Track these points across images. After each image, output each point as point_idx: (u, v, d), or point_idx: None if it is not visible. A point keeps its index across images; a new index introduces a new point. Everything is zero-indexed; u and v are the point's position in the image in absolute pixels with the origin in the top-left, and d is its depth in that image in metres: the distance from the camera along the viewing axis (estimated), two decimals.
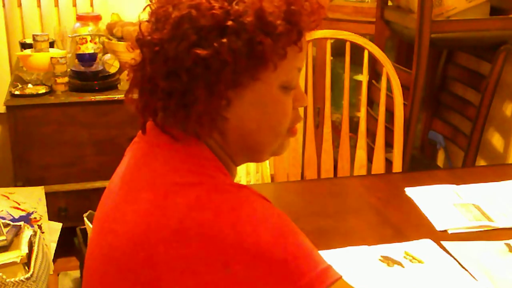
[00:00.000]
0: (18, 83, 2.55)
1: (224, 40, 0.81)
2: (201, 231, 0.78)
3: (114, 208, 0.88)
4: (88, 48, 2.58)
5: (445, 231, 1.36)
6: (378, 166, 1.97)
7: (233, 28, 0.82)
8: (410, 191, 1.54)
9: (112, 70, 2.58)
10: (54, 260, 2.41)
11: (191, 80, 0.83)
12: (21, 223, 2.15)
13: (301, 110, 0.98)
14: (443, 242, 1.29)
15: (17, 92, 2.46)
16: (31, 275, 1.95)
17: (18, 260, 1.98)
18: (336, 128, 2.51)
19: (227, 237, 0.77)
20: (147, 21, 0.89)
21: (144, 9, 0.91)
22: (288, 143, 0.96)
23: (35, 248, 2.05)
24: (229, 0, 0.83)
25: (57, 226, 2.46)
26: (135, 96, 0.90)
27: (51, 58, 2.47)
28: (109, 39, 2.67)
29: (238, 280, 0.78)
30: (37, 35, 2.58)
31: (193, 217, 0.79)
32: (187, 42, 0.82)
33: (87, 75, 2.53)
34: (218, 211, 0.79)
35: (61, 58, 2.47)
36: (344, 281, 0.83)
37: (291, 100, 0.91)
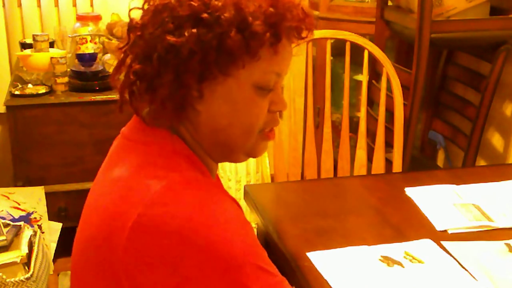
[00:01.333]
0: (18, 83, 2.55)
1: (194, 30, 0.84)
2: (156, 226, 0.80)
3: (91, 201, 0.92)
4: (88, 48, 2.58)
5: (445, 231, 1.36)
6: (378, 166, 1.97)
7: (207, 21, 0.85)
8: (410, 191, 1.54)
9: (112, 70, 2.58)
10: (54, 260, 2.41)
11: (161, 66, 0.87)
12: (21, 223, 2.15)
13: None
14: (443, 242, 1.29)
15: (17, 92, 2.46)
16: (31, 275, 1.95)
17: (18, 260, 1.98)
18: (336, 128, 2.51)
19: (180, 232, 0.79)
20: (138, 8, 0.93)
21: None
22: (264, 146, 0.96)
23: (35, 248, 2.05)
24: None
25: (57, 226, 2.46)
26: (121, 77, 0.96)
27: (51, 58, 2.47)
28: (109, 39, 2.67)
29: (189, 277, 0.79)
30: (37, 35, 2.57)
31: (152, 212, 0.81)
32: (162, 29, 0.86)
33: (87, 75, 2.53)
34: (176, 206, 0.81)
35: (61, 58, 2.47)
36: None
37: (266, 102, 0.92)
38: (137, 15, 0.92)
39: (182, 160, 0.89)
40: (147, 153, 0.89)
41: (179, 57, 0.85)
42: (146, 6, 0.91)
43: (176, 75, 0.87)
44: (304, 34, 0.93)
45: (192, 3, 0.85)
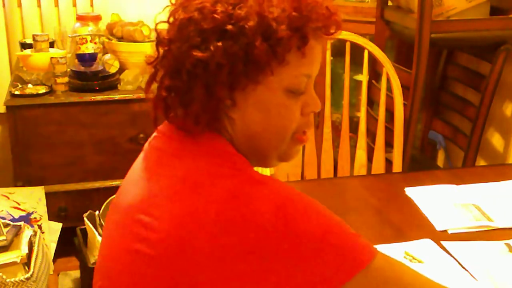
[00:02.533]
0: (18, 83, 2.55)
1: (220, 44, 0.84)
2: (240, 221, 0.79)
3: (144, 201, 0.86)
4: (88, 48, 2.58)
5: (445, 231, 1.36)
6: (378, 166, 1.97)
7: (232, 32, 0.84)
8: (410, 191, 1.54)
9: (112, 70, 2.58)
10: (54, 260, 2.41)
11: (191, 80, 0.86)
12: (21, 223, 2.15)
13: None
14: (443, 242, 1.29)
15: (17, 92, 2.46)
16: (31, 275, 1.95)
17: (18, 260, 1.98)
18: (336, 128, 2.51)
19: (267, 226, 0.79)
20: (164, 21, 0.92)
21: (163, 10, 0.94)
22: (297, 150, 0.95)
23: (35, 248, 2.05)
24: (233, 3, 0.85)
25: (57, 226, 2.46)
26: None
27: (51, 58, 2.47)
28: (109, 39, 2.67)
29: (282, 266, 0.79)
30: (37, 35, 2.58)
31: (231, 207, 0.80)
32: (189, 43, 0.85)
33: (87, 75, 2.53)
34: (256, 200, 0.80)
35: (61, 58, 2.47)
36: (382, 254, 0.87)
37: (298, 105, 0.91)
38: (163, 27, 0.92)
39: (236, 158, 0.88)
40: (202, 154, 0.88)
41: (207, 71, 0.85)
42: (171, 20, 0.90)
43: (207, 89, 0.86)
44: (332, 31, 0.91)
45: (216, 15, 0.84)
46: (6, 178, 2.67)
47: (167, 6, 0.92)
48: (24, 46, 2.71)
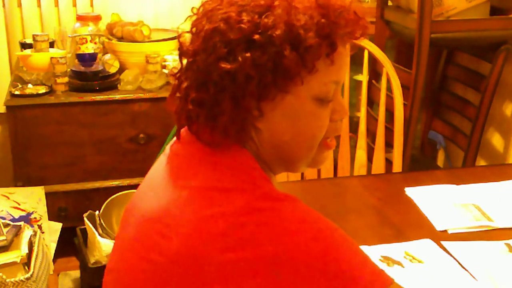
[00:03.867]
0: (18, 83, 2.55)
1: (248, 54, 0.82)
2: (250, 236, 0.77)
3: (162, 211, 0.85)
4: (88, 48, 2.58)
5: (445, 231, 1.36)
6: (378, 166, 1.97)
7: (259, 42, 0.82)
8: (410, 191, 1.54)
9: (112, 70, 2.58)
10: (54, 260, 2.41)
11: (218, 93, 0.84)
12: (21, 223, 2.15)
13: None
14: (443, 242, 1.29)
15: (17, 92, 2.46)
16: (31, 275, 1.95)
17: (18, 260, 1.98)
18: None
19: (278, 245, 0.77)
20: (188, 32, 0.90)
21: (186, 20, 0.92)
22: (326, 155, 0.95)
23: (35, 248, 2.05)
24: (259, 12, 0.83)
25: (57, 226, 2.46)
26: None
27: (51, 58, 2.47)
28: (109, 39, 2.67)
29: (289, 287, 0.78)
30: (37, 35, 2.58)
31: (242, 222, 0.78)
32: (215, 55, 0.83)
33: (87, 75, 2.53)
34: (267, 218, 0.79)
35: (61, 58, 2.47)
36: (396, 284, 0.83)
37: (328, 113, 0.89)
38: (186, 38, 0.90)
39: (255, 173, 0.86)
40: (219, 166, 0.86)
41: (235, 83, 0.83)
42: (194, 30, 0.88)
43: (235, 101, 0.84)
44: (358, 35, 0.89)
45: (242, 25, 0.82)
46: (6, 178, 2.67)
47: (189, 16, 0.90)
48: (24, 46, 2.71)
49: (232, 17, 0.83)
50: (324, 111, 0.89)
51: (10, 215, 2.32)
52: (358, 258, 0.82)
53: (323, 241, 0.80)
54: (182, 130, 0.91)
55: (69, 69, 2.55)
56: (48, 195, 2.44)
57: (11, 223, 2.13)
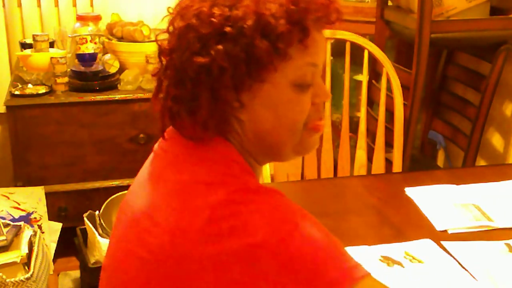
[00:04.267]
0: (18, 83, 2.55)
1: (220, 47, 0.83)
2: (228, 230, 0.78)
3: (148, 206, 0.87)
4: (88, 48, 2.58)
5: (445, 231, 1.36)
6: (378, 166, 1.97)
7: (231, 34, 0.83)
8: (410, 191, 1.54)
9: (112, 70, 2.58)
10: (54, 260, 2.41)
11: (195, 87, 0.85)
12: (21, 223, 2.15)
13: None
14: (443, 242, 1.29)
15: (17, 92, 2.46)
16: (31, 275, 1.95)
17: (18, 260, 1.98)
18: (336, 128, 2.51)
19: (256, 236, 0.78)
20: (164, 31, 0.91)
21: (162, 19, 0.93)
22: (314, 140, 0.94)
23: (35, 248, 2.05)
24: (230, 5, 0.84)
25: (57, 226, 2.46)
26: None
27: (51, 58, 2.47)
28: (109, 39, 2.67)
29: (267, 278, 0.78)
30: (37, 35, 2.58)
31: (220, 215, 0.79)
32: (189, 51, 0.85)
33: (87, 75, 2.53)
34: (244, 210, 0.80)
35: (61, 58, 2.47)
36: (373, 278, 0.84)
37: (308, 97, 0.90)
38: (164, 38, 0.92)
39: (236, 166, 0.87)
40: (200, 161, 0.87)
41: (210, 76, 0.84)
42: (171, 29, 0.89)
43: (212, 94, 0.85)
44: (333, 19, 0.90)
45: (213, 19, 0.84)
46: (6, 178, 2.67)
47: (165, 16, 0.91)
48: (24, 46, 2.71)
49: (204, 12, 0.84)
50: (303, 96, 0.90)
51: (10, 215, 2.32)
52: (327, 254, 0.82)
53: (293, 236, 0.80)
54: (169, 128, 0.93)
55: (69, 69, 2.55)
56: (48, 195, 2.44)
57: (11, 223, 2.13)
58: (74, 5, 2.86)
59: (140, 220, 0.86)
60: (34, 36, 2.58)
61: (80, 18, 2.70)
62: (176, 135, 0.91)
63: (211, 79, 0.84)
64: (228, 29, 0.83)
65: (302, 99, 0.89)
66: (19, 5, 2.79)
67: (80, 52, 2.57)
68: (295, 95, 0.88)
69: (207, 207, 0.80)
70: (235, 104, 0.87)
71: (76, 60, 2.58)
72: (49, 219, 2.44)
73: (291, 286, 0.78)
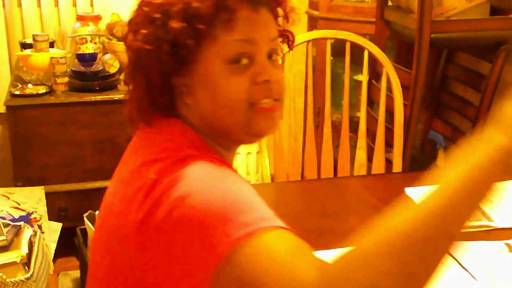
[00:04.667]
0: (18, 83, 2.55)
1: (145, 31, 0.89)
2: (156, 200, 0.79)
3: (111, 196, 0.94)
4: (88, 48, 2.58)
5: None
6: (378, 166, 1.97)
7: (159, 19, 0.89)
8: (410, 191, 1.54)
9: (112, 70, 2.58)
10: (54, 260, 2.41)
11: (134, 71, 0.93)
12: (21, 223, 2.15)
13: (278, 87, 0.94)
14: None
15: (17, 92, 2.46)
16: (31, 275, 1.95)
17: (18, 260, 1.98)
18: (336, 128, 2.51)
19: (166, 199, 0.78)
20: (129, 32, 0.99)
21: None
22: (265, 121, 0.92)
23: (35, 248, 2.05)
24: None
25: (57, 226, 2.46)
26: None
27: (51, 58, 2.47)
28: (109, 39, 2.67)
29: (176, 238, 0.77)
30: (37, 35, 2.58)
31: (151, 187, 0.81)
32: (130, 37, 0.92)
33: (87, 75, 2.53)
34: (171, 180, 0.80)
35: (61, 58, 2.47)
36: (285, 232, 0.75)
37: (245, 76, 0.90)
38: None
39: (183, 141, 0.89)
40: (153, 142, 0.91)
41: (141, 60, 0.91)
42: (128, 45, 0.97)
43: (145, 77, 0.91)
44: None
45: (145, 8, 0.91)
46: (6, 178, 2.67)
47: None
48: (24, 46, 2.71)
49: (143, 2, 0.92)
50: (240, 75, 0.90)
51: (10, 215, 2.32)
52: (228, 210, 0.75)
53: (196, 203, 0.76)
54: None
55: (69, 69, 2.55)
56: (48, 195, 2.44)
57: (11, 223, 2.13)
58: (74, 5, 2.86)
59: (105, 209, 0.93)
60: (34, 36, 2.58)
61: (80, 18, 2.71)
62: (142, 125, 0.96)
63: (142, 62, 0.90)
64: (156, 15, 0.89)
65: (236, 78, 0.90)
66: (19, 5, 2.79)
67: (80, 52, 2.57)
68: (229, 74, 0.90)
69: (145, 184, 0.82)
70: (183, 89, 0.91)
71: (76, 60, 2.58)
72: (49, 219, 2.44)
73: (188, 245, 0.75)
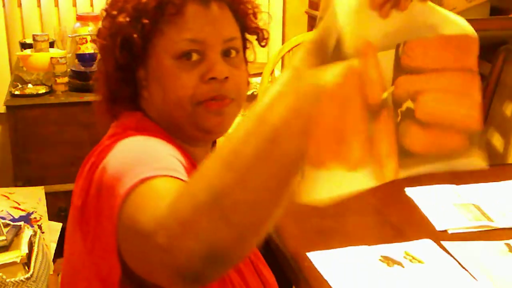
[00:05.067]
0: (18, 83, 2.55)
1: (102, 27, 0.95)
2: (87, 177, 0.86)
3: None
4: (88, 48, 2.58)
5: (445, 231, 1.36)
6: None
7: (113, 14, 0.93)
8: (410, 191, 1.54)
9: None
10: (54, 260, 2.41)
11: (98, 65, 0.98)
12: (21, 223, 2.15)
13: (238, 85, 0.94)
14: (443, 242, 1.29)
15: (17, 92, 2.46)
16: (31, 275, 1.95)
17: (18, 260, 1.98)
18: None
19: (91, 168, 0.85)
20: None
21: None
22: (212, 118, 0.92)
23: (35, 248, 2.05)
24: None
25: (57, 226, 2.46)
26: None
27: (51, 58, 2.47)
28: None
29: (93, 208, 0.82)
30: (37, 35, 2.58)
31: (89, 171, 0.87)
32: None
33: (87, 75, 2.53)
34: (106, 147, 0.86)
35: (61, 58, 2.47)
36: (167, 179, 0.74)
37: (194, 73, 0.90)
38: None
39: (136, 120, 0.94)
40: (115, 127, 0.95)
41: (101, 55, 0.96)
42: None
43: (106, 74, 0.95)
44: None
45: (108, 6, 0.96)
46: (6, 178, 2.67)
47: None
48: (24, 46, 2.71)
49: (107, 3, 0.97)
50: (188, 71, 0.91)
51: (10, 215, 2.32)
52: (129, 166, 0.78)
53: (117, 159, 0.82)
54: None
55: (69, 69, 2.55)
56: (48, 195, 2.44)
57: (11, 223, 2.13)
58: (74, 5, 2.87)
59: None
60: (34, 36, 2.58)
61: (80, 18, 2.70)
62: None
63: (101, 57, 0.96)
64: (113, 12, 0.93)
65: (184, 74, 0.91)
66: (19, 5, 2.79)
67: (80, 52, 2.57)
68: (177, 70, 0.91)
69: (84, 172, 0.88)
70: (144, 83, 0.94)
71: (76, 60, 2.58)
72: (49, 219, 2.44)
73: (106, 205, 0.78)
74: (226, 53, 0.93)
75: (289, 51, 2.23)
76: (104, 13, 0.96)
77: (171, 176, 0.73)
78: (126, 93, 0.95)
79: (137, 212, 0.69)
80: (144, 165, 0.76)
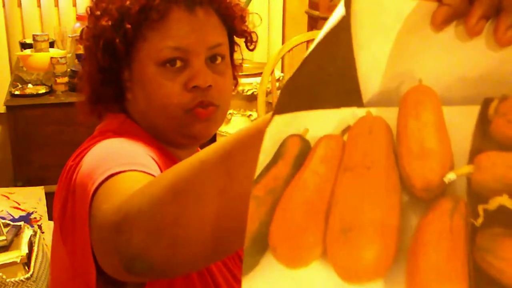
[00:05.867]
0: (18, 83, 2.55)
1: (86, 28, 0.95)
2: (64, 181, 0.84)
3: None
4: None
5: None
6: None
7: (97, 16, 0.93)
8: None
9: None
10: None
11: (82, 65, 0.97)
12: (21, 223, 2.15)
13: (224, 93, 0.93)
14: None
15: (17, 92, 2.46)
16: (31, 275, 1.95)
17: (18, 260, 1.98)
18: None
19: (69, 170, 0.84)
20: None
21: None
22: (199, 126, 0.91)
23: (35, 248, 2.05)
24: None
25: None
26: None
27: (51, 58, 2.47)
28: None
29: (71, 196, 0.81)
30: (37, 35, 2.58)
31: (67, 174, 0.84)
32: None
33: None
34: (88, 147, 0.85)
35: (61, 58, 2.47)
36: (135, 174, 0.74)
37: (178, 80, 0.89)
38: None
39: (120, 122, 0.94)
40: (100, 129, 0.96)
41: (85, 54, 0.95)
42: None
43: (89, 74, 0.94)
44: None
45: (92, 6, 0.96)
46: (6, 178, 2.67)
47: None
48: (24, 46, 2.71)
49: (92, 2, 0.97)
50: (172, 79, 0.89)
51: (10, 215, 2.32)
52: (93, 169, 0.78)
53: (90, 158, 0.81)
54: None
55: (69, 69, 2.55)
56: (48, 195, 2.44)
57: (11, 223, 2.13)
58: (74, 5, 2.87)
59: None
60: (34, 36, 2.58)
61: (80, 18, 2.70)
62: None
63: (85, 57, 0.95)
64: (97, 12, 0.92)
65: (168, 82, 0.89)
66: (19, 5, 2.80)
67: (80, 52, 2.57)
68: (161, 78, 0.89)
69: (63, 175, 0.85)
70: (128, 84, 0.92)
71: (76, 60, 2.58)
72: (49, 219, 2.44)
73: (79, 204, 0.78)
74: (211, 59, 0.92)
75: (289, 51, 2.23)
76: (89, 11, 0.96)
77: (141, 171, 0.73)
78: (110, 94, 0.94)
79: (102, 203, 0.69)
80: (114, 161, 0.76)
